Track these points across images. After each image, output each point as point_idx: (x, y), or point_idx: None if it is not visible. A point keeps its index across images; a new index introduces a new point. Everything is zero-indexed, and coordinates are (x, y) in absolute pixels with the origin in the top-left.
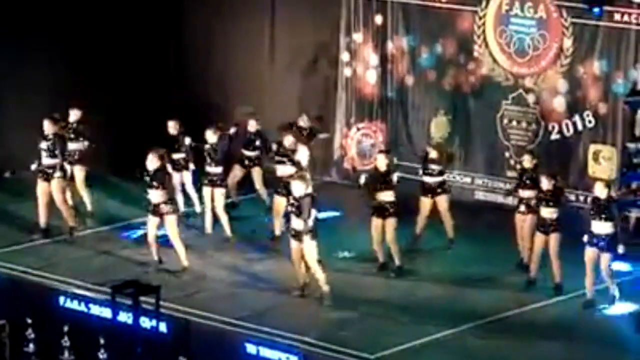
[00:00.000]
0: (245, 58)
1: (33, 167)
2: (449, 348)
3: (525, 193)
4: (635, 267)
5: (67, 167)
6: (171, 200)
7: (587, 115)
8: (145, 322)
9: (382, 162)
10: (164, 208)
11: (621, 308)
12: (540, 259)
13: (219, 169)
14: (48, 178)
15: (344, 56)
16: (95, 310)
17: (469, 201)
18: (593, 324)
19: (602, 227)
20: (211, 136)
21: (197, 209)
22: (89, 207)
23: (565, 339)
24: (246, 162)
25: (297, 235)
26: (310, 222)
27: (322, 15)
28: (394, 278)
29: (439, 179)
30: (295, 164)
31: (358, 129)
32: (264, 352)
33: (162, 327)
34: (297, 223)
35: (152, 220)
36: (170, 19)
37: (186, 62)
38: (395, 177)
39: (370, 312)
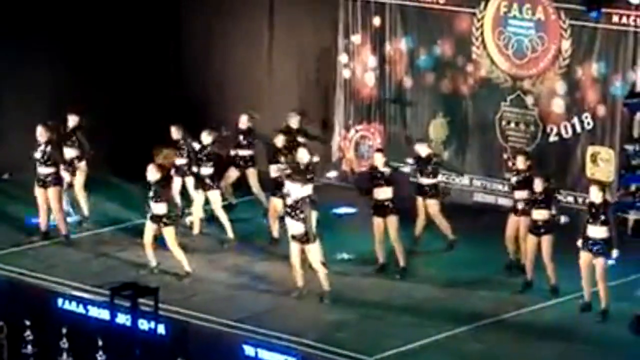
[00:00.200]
0: (243, 59)
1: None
2: (447, 350)
3: (518, 194)
4: (633, 269)
5: (64, 175)
6: (170, 211)
7: (586, 117)
8: (144, 324)
9: (379, 161)
10: (164, 220)
11: (619, 310)
12: (535, 260)
13: (210, 171)
14: (45, 185)
15: (342, 58)
16: (94, 312)
17: (468, 203)
18: (591, 326)
19: (597, 231)
20: (206, 137)
21: (201, 214)
22: (85, 212)
23: (563, 341)
24: (240, 162)
25: (296, 238)
26: (311, 226)
27: (320, 17)
28: (394, 280)
29: (431, 180)
30: (294, 164)
31: (356, 131)
32: (263, 354)
33: (161, 329)
34: (294, 225)
35: (150, 226)
36: (169, 20)
37: (185, 63)
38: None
39: (368, 314)
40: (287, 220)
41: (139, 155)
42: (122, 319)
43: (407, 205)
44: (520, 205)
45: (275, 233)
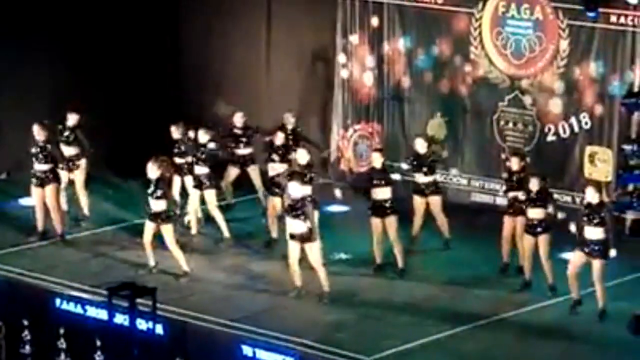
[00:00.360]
0: (242, 59)
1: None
2: (446, 350)
3: (513, 195)
4: (630, 269)
5: (61, 173)
6: (169, 209)
7: (584, 117)
8: (142, 324)
9: (378, 161)
10: (162, 217)
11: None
12: (532, 260)
13: (206, 170)
14: (42, 184)
15: (341, 58)
16: (92, 312)
17: (465, 203)
18: (589, 325)
19: (593, 232)
20: (203, 136)
21: (199, 213)
22: (85, 210)
23: (562, 340)
24: (240, 160)
25: (296, 237)
26: (314, 224)
27: (318, 17)
28: (393, 280)
29: (429, 178)
30: (295, 164)
31: (354, 131)
32: (261, 354)
33: (159, 329)
34: (294, 225)
35: (149, 225)
36: (168, 20)
37: (184, 63)
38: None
39: (366, 314)
40: (288, 219)
41: (138, 155)
42: (120, 319)
43: (403, 205)
44: (514, 206)
45: (274, 233)
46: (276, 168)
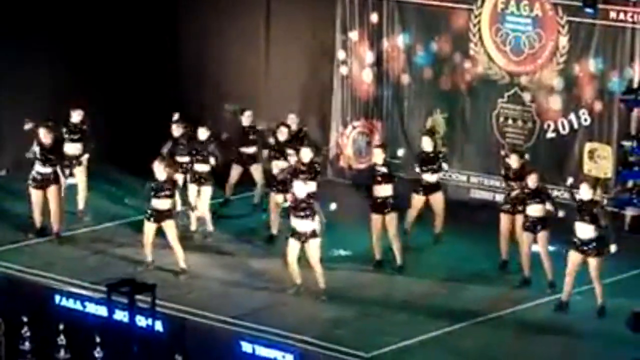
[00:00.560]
0: (241, 57)
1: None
2: (445, 346)
3: (514, 194)
4: (630, 265)
5: (61, 176)
6: (173, 208)
7: (583, 114)
8: (141, 321)
9: (379, 157)
10: (165, 214)
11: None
12: (531, 257)
13: (207, 168)
14: (42, 186)
15: (340, 54)
16: (91, 308)
17: (464, 199)
18: (588, 322)
19: (586, 230)
20: (202, 134)
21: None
22: (80, 206)
23: (561, 336)
24: (244, 158)
25: (297, 235)
26: (321, 222)
27: (317, 13)
28: (391, 276)
29: (435, 176)
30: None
31: (354, 127)
32: (260, 350)
33: (158, 325)
34: (299, 223)
35: (150, 227)
36: (166, 19)
37: (182, 62)
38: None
39: (365, 311)
40: (292, 218)
41: (137, 154)
42: (120, 315)
43: (402, 202)
44: (512, 204)
45: (275, 230)
46: (280, 166)
